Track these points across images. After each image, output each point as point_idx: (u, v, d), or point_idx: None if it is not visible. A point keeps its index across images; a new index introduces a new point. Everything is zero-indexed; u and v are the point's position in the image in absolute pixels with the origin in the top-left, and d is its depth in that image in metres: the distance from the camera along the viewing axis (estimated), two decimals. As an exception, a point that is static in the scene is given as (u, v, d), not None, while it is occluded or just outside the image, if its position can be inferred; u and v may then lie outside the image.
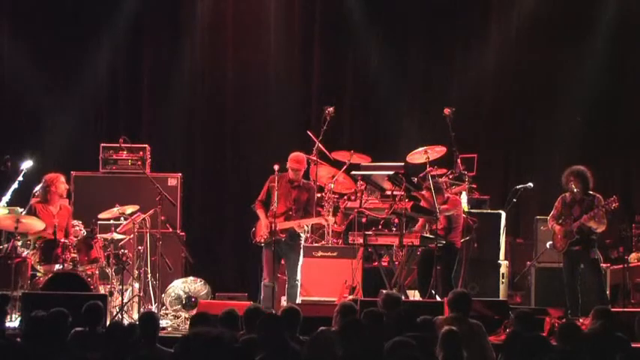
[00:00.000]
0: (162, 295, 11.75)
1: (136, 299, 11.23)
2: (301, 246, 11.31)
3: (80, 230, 11.42)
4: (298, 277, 11.23)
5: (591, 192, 11.05)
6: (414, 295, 11.44)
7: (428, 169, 11.68)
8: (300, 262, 11.26)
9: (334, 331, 7.15)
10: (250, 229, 11.44)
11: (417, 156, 12.10)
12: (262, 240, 11.19)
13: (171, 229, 12.26)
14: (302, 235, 11.31)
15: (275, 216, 11.04)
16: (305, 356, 6.64)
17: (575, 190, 11.02)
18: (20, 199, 11.43)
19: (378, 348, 6.76)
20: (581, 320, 10.12)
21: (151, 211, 11.42)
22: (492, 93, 14.12)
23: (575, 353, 6.89)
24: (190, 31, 14.56)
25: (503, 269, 12.18)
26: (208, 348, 6.16)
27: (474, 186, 12.55)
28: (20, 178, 11.37)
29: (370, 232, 11.18)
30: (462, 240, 11.46)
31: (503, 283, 12.14)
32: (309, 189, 11.36)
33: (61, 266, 10.80)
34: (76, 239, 11.09)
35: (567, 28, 14.14)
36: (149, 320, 7.56)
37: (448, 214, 11.12)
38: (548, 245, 11.53)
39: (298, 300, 11.26)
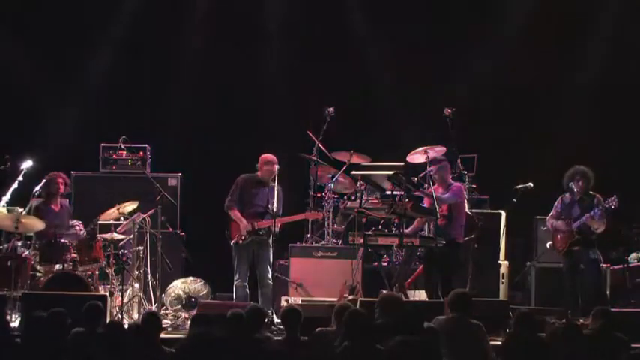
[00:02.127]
0: (162, 295, 11.76)
1: (136, 299, 11.23)
2: (271, 244, 11.31)
3: (80, 230, 11.42)
4: (270, 275, 11.23)
5: (591, 192, 11.07)
6: (414, 296, 11.45)
7: (428, 169, 11.68)
8: (271, 261, 11.27)
9: (332, 331, 7.17)
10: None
11: (417, 156, 12.08)
12: (241, 240, 11.21)
13: (171, 229, 12.26)
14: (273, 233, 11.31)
15: (251, 216, 11.11)
16: (304, 356, 6.65)
17: (575, 190, 11.04)
18: (20, 199, 11.42)
19: (373, 348, 6.79)
20: (581, 320, 10.13)
21: (151, 211, 11.42)
22: (492, 93, 14.10)
23: (575, 354, 6.89)
24: (190, 30, 14.55)
25: (503, 269, 12.18)
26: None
27: (474, 186, 12.55)
28: (20, 178, 11.36)
29: (370, 232, 11.19)
30: (467, 237, 11.45)
31: (503, 283, 12.14)
32: (275, 188, 11.36)
33: (61, 266, 10.79)
34: (75, 240, 11.10)
35: (568, 28, 14.14)
36: (151, 320, 7.57)
37: (451, 202, 11.10)
38: (548, 245, 11.53)
39: (297, 299, 11.28)
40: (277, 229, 11.17)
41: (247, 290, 11.24)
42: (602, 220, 10.95)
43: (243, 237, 11.23)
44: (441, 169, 11.24)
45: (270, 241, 11.27)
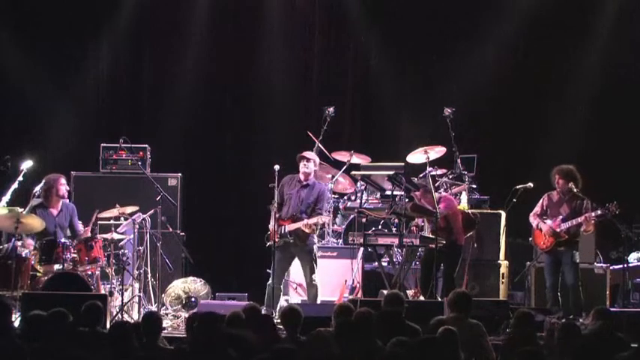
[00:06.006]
0: (162, 295, 11.77)
1: (136, 299, 11.24)
2: (312, 246, 11.25)
3: (87, 227, 11.43)
4: (315, 276, 11.18)
5: (580, 194, 11.06)
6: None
7: (428, 169, 11.69)
8: (312, 262, 11.21)
9: (331, 332, 7.18)
10: (250, 230, 11.46)
11: (417, 156, 12.10)
12: (275, 243, 11.18)
13: (171, 229, 12.26)
14: (313, 235, 11.22)
15: (281, 218, 11.10)
16: (302, 356, 6.65)
17: (557, 188, 11.07)
18: (20, 199, 11.42)
19: (372, 348, 6.79)
20: (580, 320, 10.14)
21: (151, 211, 11.42)
22: (492, 93, 14.10)
23: (573, 353, 6.89)
24: (190, 30, 14.55)
25: (503, 269, 12.18)
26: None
27: (474, 186, 12.55)
28: (20, 178, 11.36)
29: (370, 232, 11.18)
30: (466, 235, 11.44)
31: (503, 283, 12.14)
32: (319, 189, 11.32)
33: (61, 266, 10.79)
34: (88, 233, 11.10)
35: (568, 28, 14.14)
36: (152, 320, 7.57)
37: (444, 214, 11.10)
38: (530, 240, 11.58)
39: (297, 299, 11.27)
40: (308, 230, 11.07)
41: (275, 290, 11.10)
42: (591, 225, 11.02)
43: (276, 240, 11.15)
44: (426, 193, 11.18)
45: (313, 241, 11.21)
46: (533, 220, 11.28)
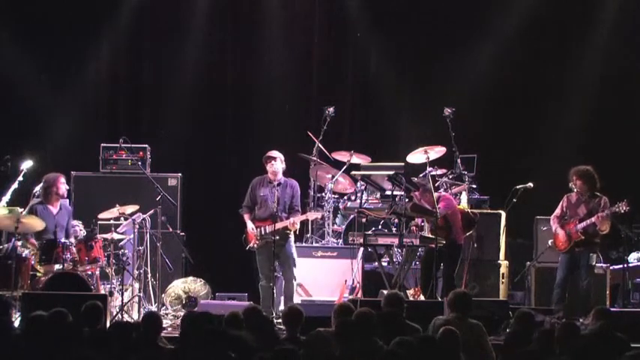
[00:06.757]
0: (162, 295, 11.77)
1: (136, 299, 11.24)
2: (292, 244, 11.29)
3: (80, 230, 11.43)
4: (295, 273, 11.22)
5: (598, 193, 11.07)
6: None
7: (428, 169, 11.69)
8: (293, 260, 11.25)
9: (331, 332, 7.18)
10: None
11: (417, 156, 12.10)
12: (255, 245, 11.20)
13: (171, 229, 12.26)
14: (291, 233, 11.28)
15: (258, 219, 11.13)
16: (302, 356, 6.65)
17: (575, 190, 11.07)
18: (20, 199, 11.42)
19: (372, 348, 6.80)
20: (581, 320, 10.14)
21: (151, 211, 11.43)
22: (492, 93, 14.10)
23: (572, 353, 6.90)
24: (190, 30, 14.55)
25: (503, 269, 12.19)
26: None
27: (474, 186, 12.55)
28: (20, 178, 11.37)
29: (370, 232, 11.18)
30: (465, 235, 11.44)
31: (503, 283, 12.14)
32: (292, 186, 11.35)
33: (61, 266, 10.79)
34: (75, 240, 11.10)
35: (568, 28, 14.15)
36: (152, 320, 7.57)
37: (444, 214, 11.10)
38: (550, 243, 11.55)
39: (297, 299, 11.28)
40: (293, 228, 11.16)
41: (273, 290, 11.14)
42: (608, 221, 11.00)
43: (256, 243, 11.19)
44: (425, 192, 11.16)
45: (291, 239, 11.27)
46: (553, 224, 11.28)
